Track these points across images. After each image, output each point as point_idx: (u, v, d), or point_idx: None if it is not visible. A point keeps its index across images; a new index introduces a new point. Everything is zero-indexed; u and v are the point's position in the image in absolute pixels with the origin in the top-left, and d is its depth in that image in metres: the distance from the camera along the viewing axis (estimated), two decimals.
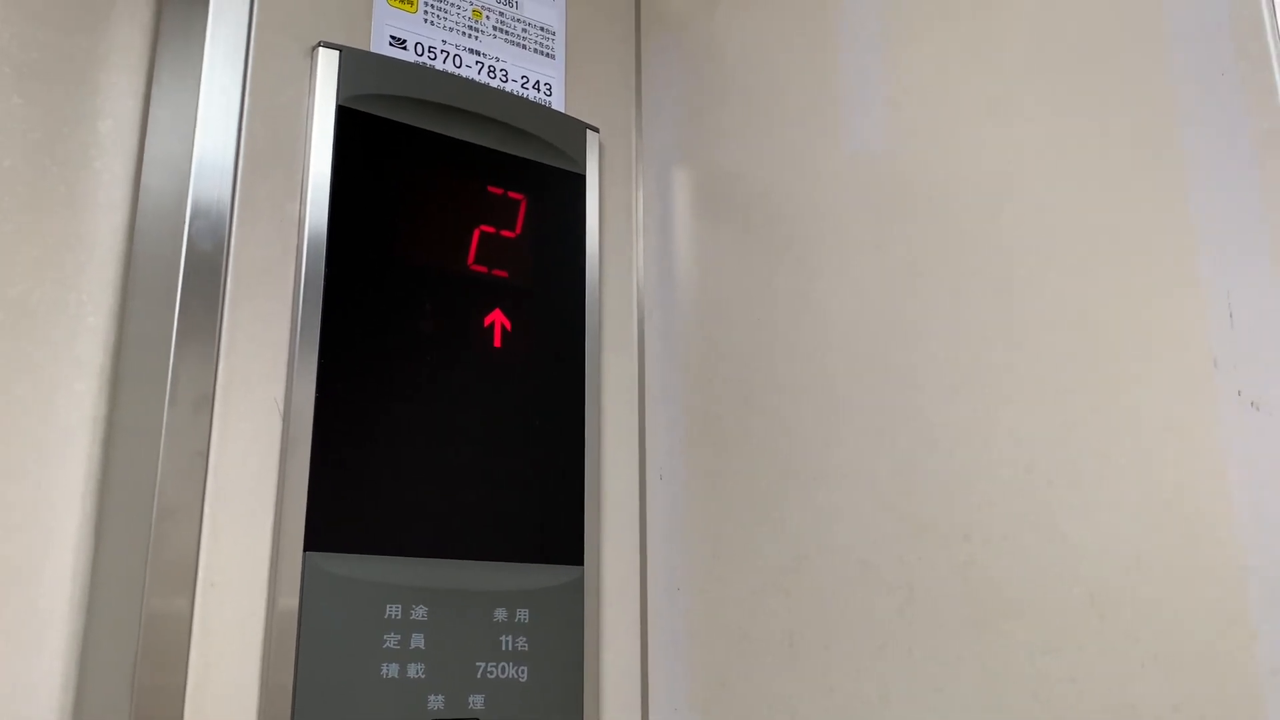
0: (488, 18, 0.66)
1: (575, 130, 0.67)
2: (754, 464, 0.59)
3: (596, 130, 0.68)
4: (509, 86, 0.66)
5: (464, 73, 0.64)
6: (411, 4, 0.63)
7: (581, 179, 0.66)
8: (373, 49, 0.61)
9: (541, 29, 0.68)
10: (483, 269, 0.61)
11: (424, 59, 0.63)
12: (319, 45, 0.59)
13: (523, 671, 0.56)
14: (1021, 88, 0.51)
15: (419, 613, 0.54)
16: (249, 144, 0.56)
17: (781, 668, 0.55)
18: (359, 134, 0.59)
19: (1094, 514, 0.44)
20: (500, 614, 0.56)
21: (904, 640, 0.50)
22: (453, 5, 0.65)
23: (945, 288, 0.52)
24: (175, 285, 0.53)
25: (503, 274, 0.62)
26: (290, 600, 0.51)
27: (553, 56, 0.68)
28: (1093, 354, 0.45)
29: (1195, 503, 0.41)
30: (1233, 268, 0.42)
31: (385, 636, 0.53)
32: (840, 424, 0.55)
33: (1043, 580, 0.45)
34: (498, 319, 0.61)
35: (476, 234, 0.61)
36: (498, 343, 0.60)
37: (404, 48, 0.62)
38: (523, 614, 0.57)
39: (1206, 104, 0.44)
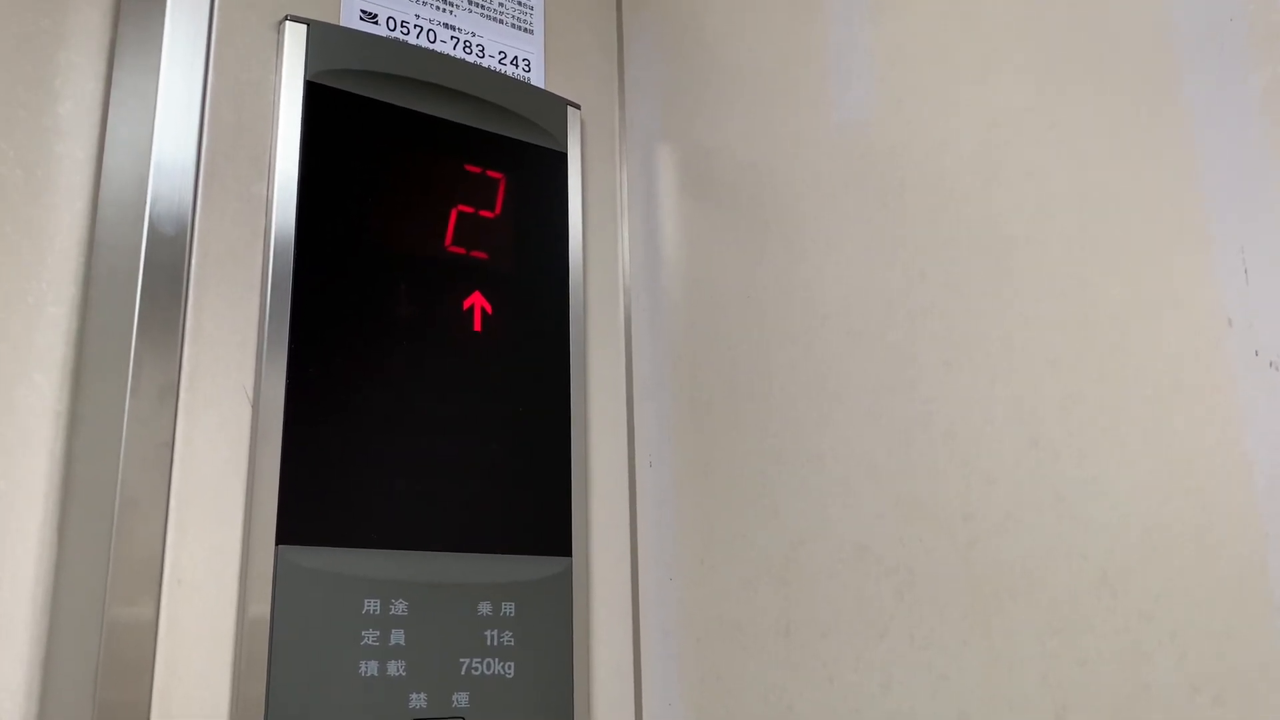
0: None
1: (556, 107, 0.64)
2: (745, 448, 0.57)
3: (578, 107, 0.66)
4: (486, 62, 0.63)
5: (438, 48, 0.62)
6: None
7: (563, 157, 0.64)
8: (342, 23, 0.59)
9: (519, 3, 0.66)
10: (461, 250, 0.59)
11: (396, 33, 0.60)
12: (286, 19, 0.56)
13: (509, 668, 0.54)
14: (1012, 47, 0.48)
15: (399, 607, 0.51)
16: (213, 124, 0.54)
17: (778, 658, 0.52)
18: (329, 111, 0.56)
19: (1103, 488, 0.42)
20: (485, 608, 0.54)
21: (905, 626, 0.48)
22: None
23: (938, 258, 0.49)
24: (136, 270, 0.50)
25: (482, 255, 0.59)
26: (262, 597, 0.49)
27: (531, 31, 0.66)
28: (1096, 320, 0.43)
29: (1211, 471, 0.39)
30: (1246, 221, 0.40)
31: (363, 633, 0.50)
32: (833, 404, 0.53)
33: (1050, 559, 0.43)
34: (477, 302, 0.58)
35: (454, 214, 0.59)
36: (478, 326, 0.58)
37: (375, 22, 0.60)
38: (508, 607, 0.55)
39: (1210, 52, 0.42)
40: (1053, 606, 0.43)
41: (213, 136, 0.54)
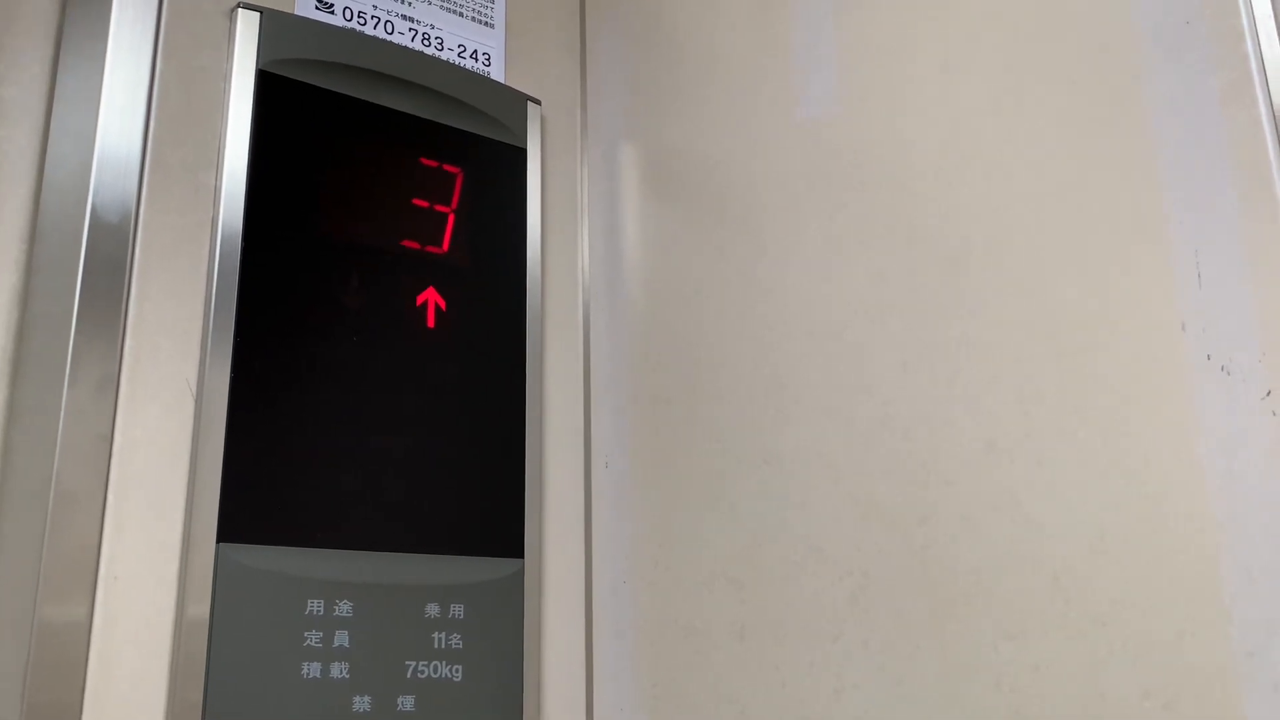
0: None
1: (515, 102, 0.64)
2: (703, 449, 0.56)
3: (538, 102, 0.65)
4: (445, 55, 0.62)
5: (396, 40, 0.61)
6: None
7: (522, 153, 0.63)
8: (297, 11, 0.58)
9: None
10: (415, 245, 0.58)
11: (353, 24, 0.59)
12: (238, 6, 0.55)
13: (457, 671, 0.53)
14: (974, 48, 0.48)
15: (343, 609, 0.50)
16: (161, 110, 0.53)
17: (731, 662, 0.52)
18: (281, 101, 0.55)
19: (1058, 491, 0.41)
20: (433, 609, 0.53)
21: (859, 630, 0.47)
22: None
23: (898, 259, 0.49)
24: (78, 259, 0.49)
25: (437, 250, 0.58)
26: (202, 596, 0.48)
27: (492, 25, 0.65)
28: (1054, 322, 0.43)
29: (1164, 475, 0.39)
30: (1201, 226, 0.39)
31: (306, 634, 0.49)
32: (791, 405, 0.52)
33: (1004, 563, 0.43)
34: (431, 297, 0.57)
35: (409, 208, 0.58)
36: (431, 322, 0.57)
37: (331, 11, 0.59)
38: (457, 609, 0.53)
39: (1170, 56, 0.42)
40: (1006, 611, 0.42)
41: (160, 124, 0.52)
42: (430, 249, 0.58)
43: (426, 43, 0.62)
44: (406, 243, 0.57)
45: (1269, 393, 0.37)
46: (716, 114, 0.60)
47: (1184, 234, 0.40)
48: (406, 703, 0.51)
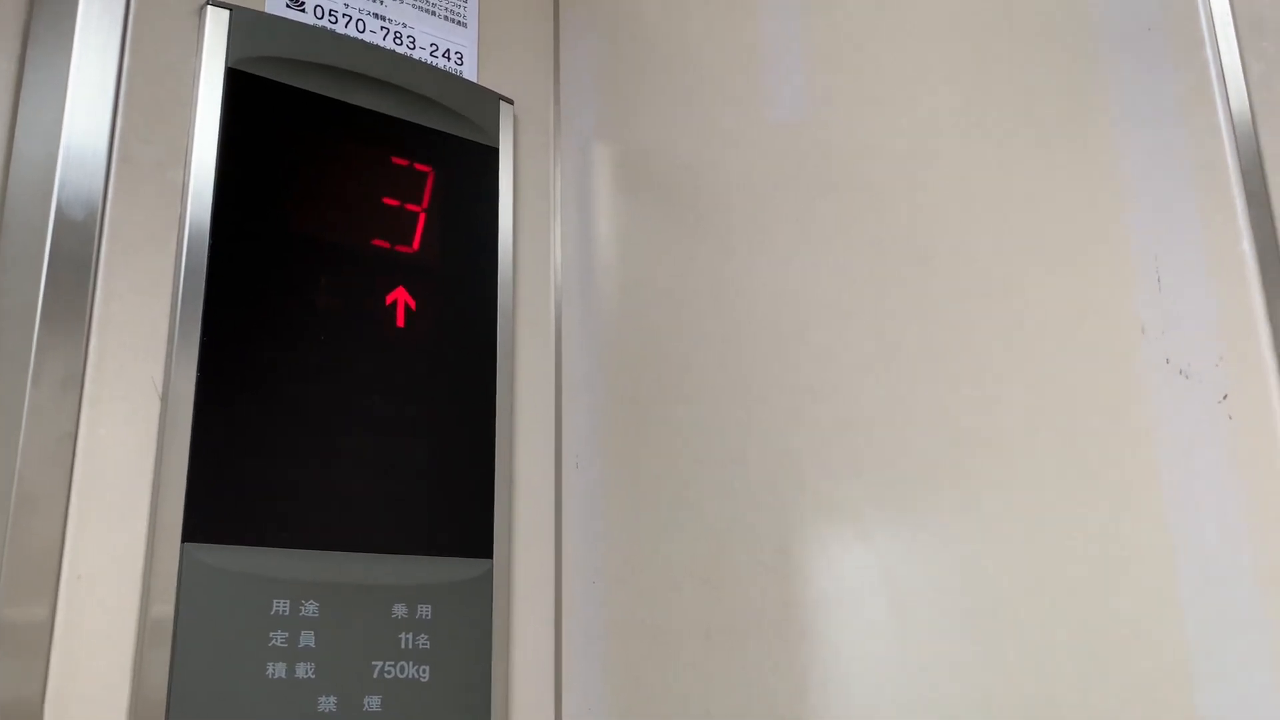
0: None
1: (488, 101, 0.64)
2: (673, 450, 0.56)
3: (511, 102, 0.65)
4: (417, 54, 0.62)
5: (367, 38, 0.61)
6: None
7: (494, 152, 0.63)
8: (267, 9, 0.57)
9: None
10: (385, 244, 0.58)
11: (324, 22, 0.59)
12: (207, 4, 0.55)
13: (424, 671, 0.52)
14: (942, 51, 0.48)
15: (309, 609, 0.50)
16: (128, 106, 0.52)
17: (697, 663, 0.52)
18: (250, 98, 0.55)
19: (1020, 492, 0.42)
20: (400, 610, 0.53)
21: (823, 633, 0.47)
22: None
23: (862, 261, 0.49)
24: (42, 255, 0.49)
25: (408, 249, 0.58)
26: (166, 596, 0.47)
27: (465, 24, 0.65)
28: (1017, 324, 0.43)
29: (1123, 477, 0.39)
30: (1161, 230, 0.40)
31: (271, 634, 0.49)
32: (758, 405, 0.52)
33: (965, 562, 0.43)
34: (401, 297, 0.57)
35: (379, 207, 0.58)
36: (401, 322, 0.57)
37: (302, 9, 0.59)
38: (425, 610, 0.53)
39: (1131, 60, 0.42)
40: (967, 610, 0.42)
41: (127, 121, 0.52)
42: (400, 248, 0.58)
43: (399, 41, 0.62)
44: (377, 242, 0.57)
45: (1225, 396, 0.37)
46: (687, 115, 0.60)
47: (1144, 238, 0.40)
48: (373, 703, 0.51)
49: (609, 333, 0.62)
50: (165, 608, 0.47)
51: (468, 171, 0.62)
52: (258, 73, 0.55)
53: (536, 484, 0.61)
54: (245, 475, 0.50)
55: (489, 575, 0.56)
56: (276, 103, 0.55)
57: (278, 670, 0.49)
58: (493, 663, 0.55)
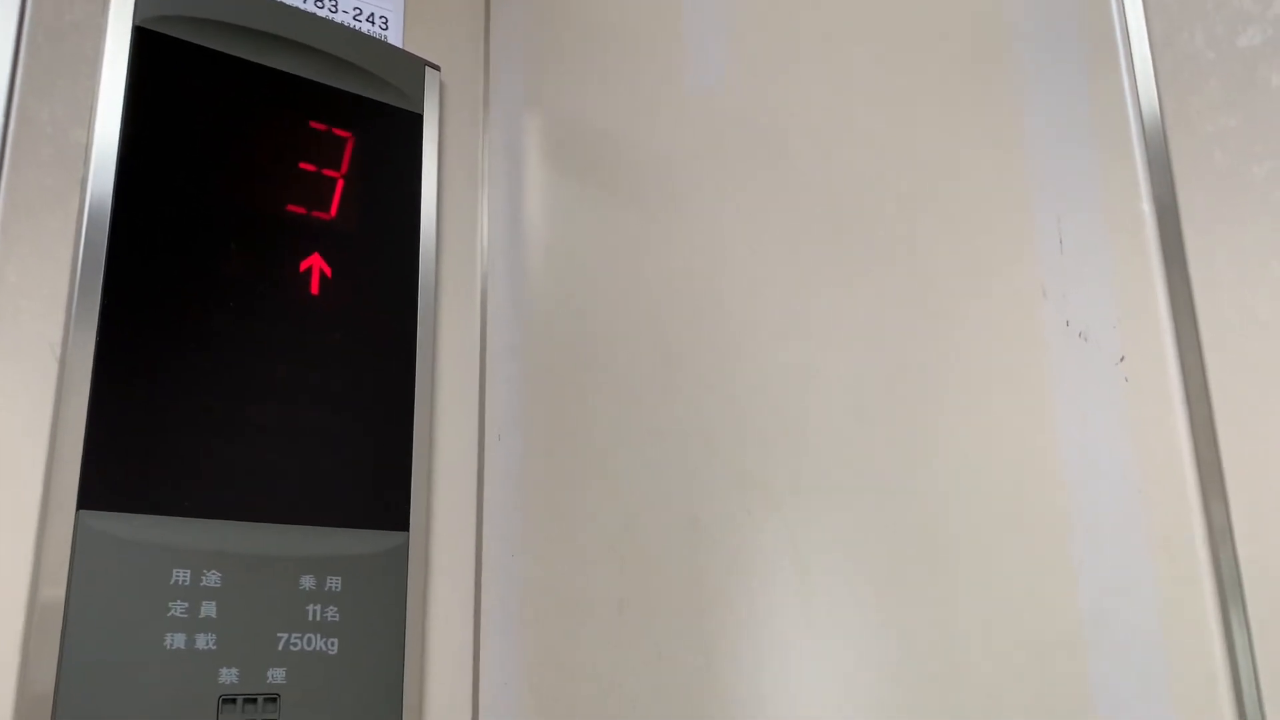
0: None
1: (412, 67, 0.62)
2: (592, 421, 0.55)
3: (438, 69, 0.64)
4: (339, 18, 0.61)
5: (287, 0, 0.59)
6: None
7: (418, 119, 0.62)
8: None
9: None
10: (301, 209, 0.56)
11: None
12: None
13: (332, 644, 0.51)
14: (854, 13, 0.47)
15: (211, 579, 0.49)
16: (29, 63, 0.51)
17: (610, 635, 0.51)
18: (159, 59, 0.53)
19: (924, 459, 0.41)
20: (308, 581, 0.52)
21: (731, 601, 0.46)
22: None
23: (779, 228, 0.48)
24: None
25: (324, 216, 0.57)
26: (60, 562, 0.46)
27: None
28: (922, 290, 0.42)
29: (1020, 441, 0.38)
30: (1064, 191, 0.39)
31: (171, 604, 0.48)
32: (674, 375, 0.51)
33: (871, 532, 0.42)
34: (316, 264, 0.56)
35: (295, 172, 0.57)
36: (315, 289, 0.56)
37: None
38: (334, 582, 0.52)
39: (1036, 21, 0.41)
40: (870, 577, 0.42)
41: (28, 77, 0.51)
42: (317, 214, 0.57)
43: (320, 4, 0.60)
44: (291, 207, 0.56)
45: (1123, 358, 0.37)
46: (612, 85, 0.59)
47: (1047, 200, 0.39)
48: (277, 675, 0.50)
49: (535, 304, 0.61)
50: (58, 575, 0.46)
51: (390, 138, 0.61)
52: (167, 32, 0.54)
53: (458, 457, 0.60)
54: (145, 443, 0.49)
55: (404, 548, 0.55)
56: (186, 63, 0.54)
57: (176, 641, 0.47)
58: (406, 637, 0.54)
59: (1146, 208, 0.37)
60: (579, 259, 0.59)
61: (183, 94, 0.54)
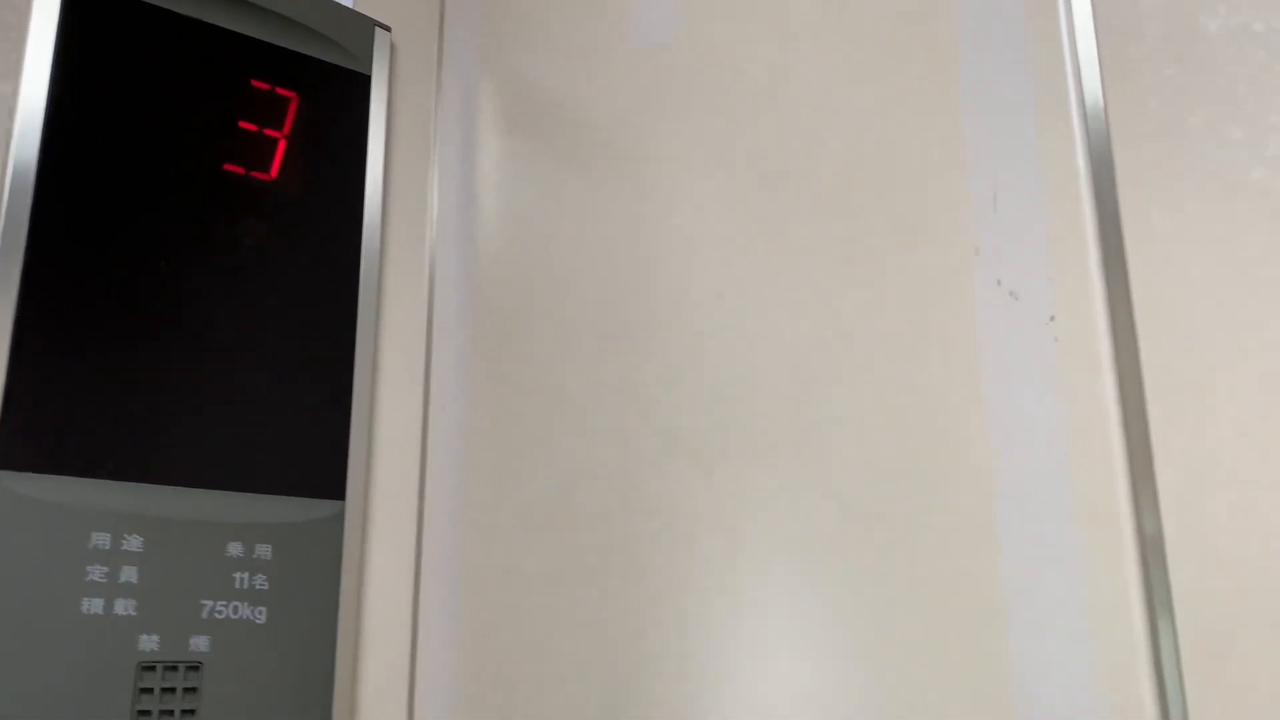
0: None
1: (360, 26, 0.61)
2: (534, 390, 0.54)
3: (388, 29, 0.62)
4: None
5: None
6: None
7: (366, 80, 0.60)
8: None
9: None
10: (239, 169, 0.55)
11: None
12: None
13: (260, 613, 0.50)
14: None
15: (132, 543, 0.48)
16: None
17: (545, 604, 0.50)
18: (91, 11, 0.52)
19: (854, 421, 0.40)
20: (235, 548, 0.50)
21: (663, 569, 0.45)
22: None
23: (720, 187, 0.47)
24: None
25: (263, 176, 0.56)
26: None
27: None
28: (856, 247, 0.41)
29: (947, 400, 0.37)
30: (999, 150, 0.38)
31: (89, 568, 0.46)
32: (614, 341, 0.50)
33: (799, 494, 0.41)
34: (253, 224, 0.54)
35: (235, 131, 0.55)
36: (252, 250, 0.54)
37: None
38: (263, 550, 0.51)
39: None
40: (800, 546, 0.40)
41: None
42: (256, 174, 0.55)
43: None
44: (229, 166, 0.55)
45: (1052, 318, 0.35)
46: (561, 45, 0.58)
47: (982, 158, 0.38)
48: (200, 643, 0.48)
49: (484, 271, 0.60)
50: None
51: (336, 99, 0.59)
52: None
53: (401, 427, 0.59)
54: (68, 403, 0.48)
55: (339, 517, 0.54)
56: (120, 16, 0.53)
57: (94, 606, 0.46)
58: (340, 607, 0.53)
59: (1081, 162, 0.36)
60: (529, 225, 0.58)
61: (115, 48, 0.52)
